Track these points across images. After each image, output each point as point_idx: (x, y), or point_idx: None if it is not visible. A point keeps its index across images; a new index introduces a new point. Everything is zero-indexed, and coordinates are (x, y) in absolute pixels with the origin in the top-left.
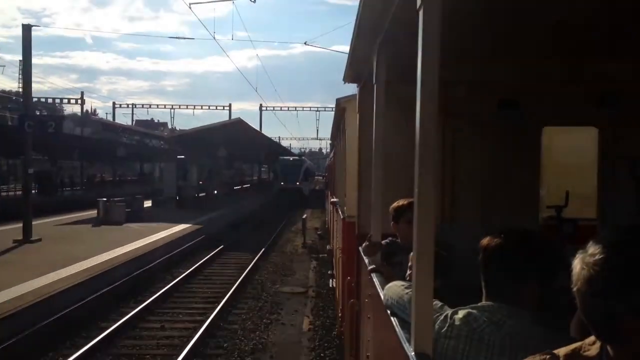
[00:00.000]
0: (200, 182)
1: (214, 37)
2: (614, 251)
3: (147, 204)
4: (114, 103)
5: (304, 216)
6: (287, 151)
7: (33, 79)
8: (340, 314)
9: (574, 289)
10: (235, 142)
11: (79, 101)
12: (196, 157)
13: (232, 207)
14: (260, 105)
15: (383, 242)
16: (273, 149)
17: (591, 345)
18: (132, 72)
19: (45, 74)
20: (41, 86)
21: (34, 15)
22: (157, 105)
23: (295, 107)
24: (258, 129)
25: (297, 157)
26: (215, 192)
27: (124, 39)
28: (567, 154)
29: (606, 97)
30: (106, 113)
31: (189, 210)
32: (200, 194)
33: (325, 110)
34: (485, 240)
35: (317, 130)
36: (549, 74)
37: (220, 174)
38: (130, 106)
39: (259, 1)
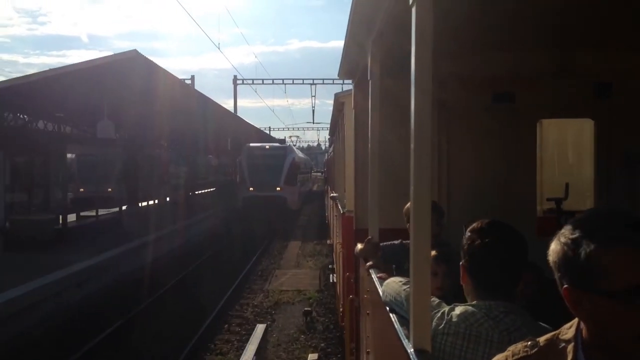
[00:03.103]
0: (109, 190)
1: (206, 34)
2: (569, 231)
3: None
4: None
5: None
6: (265, 137)
7: None
8: (341, 309)
9: (550, 261)
10: (139, 109)
11: None
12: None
13: (140, 242)
14: (235, 77)
15: (390, 243)
16: (244, 134)
17: (568, 329)
18: None
19: None
20: None
21: (29, 14)
22: None
23: (283, 80)
24: (233, 110)
25: (277, 145)
26: (153, 202)
27: (119, 37)
28: (567, 147)
29: (600, 88)
30: None
31: (14, 266)
32: (105, 213)
33: (323, 84)
34: (470, 239)
35: (313, 112)
36: (543, 66)
37: (156, 172)
38: None
39: None
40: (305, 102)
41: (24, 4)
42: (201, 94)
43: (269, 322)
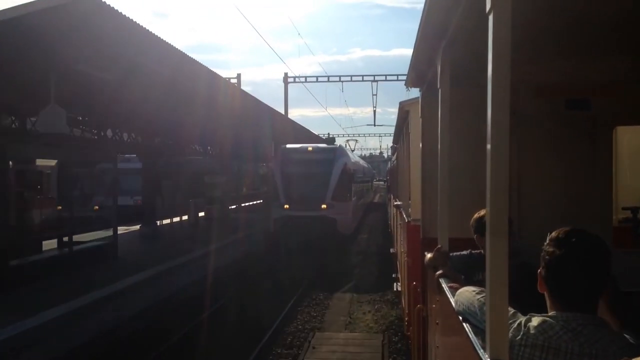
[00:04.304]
0: (96, 208)
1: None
2: None
3: None
4: None
5: None
6: (317, 141)
7: None
8: (406, 319)
9: None
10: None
11: None
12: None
13: (112, 290)
14: (286, 74)
15: (459, 253)
16: (291, 136)
17: None
18: None
19: None
20: None
21: None
22: None
23: (340, 77)
24: (283, 110)
25: (322, 146)
26: (179, 219)
27: (184, 49)
28: None
29: None
30: None
31: None
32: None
33: (386, 81)
34: (548, 246)
35: (375, 113)
36: (620, 72)
37: (195, 182)
38: None
39: (313, 9)
40: (367, 111)
41: None
42: (234, 85)
43: None
